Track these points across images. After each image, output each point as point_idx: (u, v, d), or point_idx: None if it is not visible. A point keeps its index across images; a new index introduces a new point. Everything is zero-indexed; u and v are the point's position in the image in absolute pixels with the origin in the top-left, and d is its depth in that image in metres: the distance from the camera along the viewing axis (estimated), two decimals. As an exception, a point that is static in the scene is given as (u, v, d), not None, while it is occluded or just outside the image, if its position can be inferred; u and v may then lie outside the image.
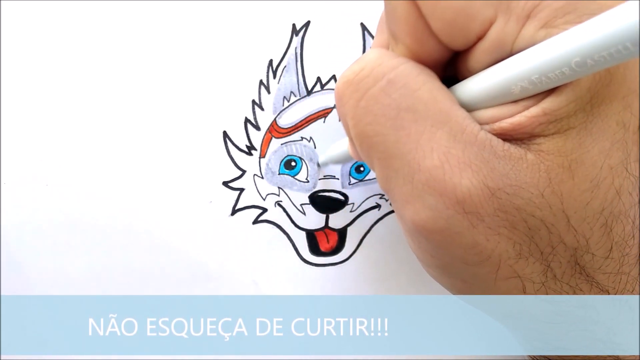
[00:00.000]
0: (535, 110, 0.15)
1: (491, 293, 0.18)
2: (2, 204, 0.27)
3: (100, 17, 0.26)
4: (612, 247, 0.17)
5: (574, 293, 0.17)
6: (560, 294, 0.17)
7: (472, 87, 0.16)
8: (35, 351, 0.27)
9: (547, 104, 0.15)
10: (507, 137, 0.16)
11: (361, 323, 0.29)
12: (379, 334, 0.29)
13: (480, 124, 0.16)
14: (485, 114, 0.16)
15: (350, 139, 0.19)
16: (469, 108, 0.16)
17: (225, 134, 0.27)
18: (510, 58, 0.15)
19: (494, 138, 0.16)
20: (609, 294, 0.17)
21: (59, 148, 0.27)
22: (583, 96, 0.15)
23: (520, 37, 0.15)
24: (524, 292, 0.18)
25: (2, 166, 0.26)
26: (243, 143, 0.27)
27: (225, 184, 0.27)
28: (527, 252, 0.17)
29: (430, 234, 0.17)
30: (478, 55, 0.16)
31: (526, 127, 0.16)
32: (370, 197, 0.28)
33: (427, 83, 0.16)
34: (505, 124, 0.16)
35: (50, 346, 0.27)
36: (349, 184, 0.28)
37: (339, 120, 0.24)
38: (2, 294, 0.27)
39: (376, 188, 0.28)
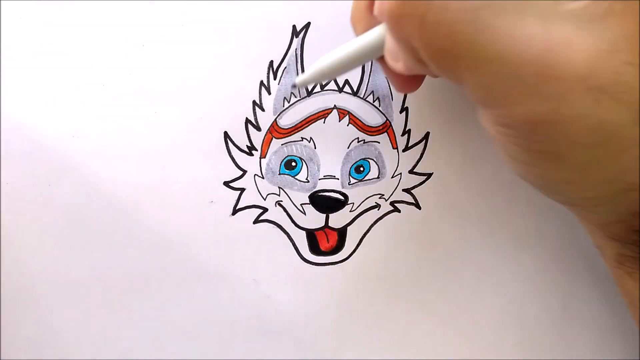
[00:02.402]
0: None
1: (610, 171, 0.17)
2: (2, 204, 0.27)
3: (100, 17, 0.26)
4: None
5: None
6: None
7: None
8: (35, 351, 0.27)
9: None
10: None
11: (361, 323, 0.29)
12: (379, 334, 0.29)
13: None
14: None
15: (415, 63, 0.18)
16: None
17: (226, 134, 0.27)
18: None
19: (575, 2, 0.15)
20: None
21: (60, 148, 0.27)
22: None
23: None
24: None
25: (3, 166, 0.26)
26: (244, 143, 0.27)
27: (226, 184, 0.27)
28: None
29: (551, 126, 0.16)
30: None
31: None
32: (370, 197, 0.28)
33: None
34: None
35: (50, 346, 0.27)
36: (349, 184, 0.28)
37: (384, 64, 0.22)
38: (2, 294, 0.27)
39: (376, 188, 0.28)
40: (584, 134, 0.16)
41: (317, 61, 0.22)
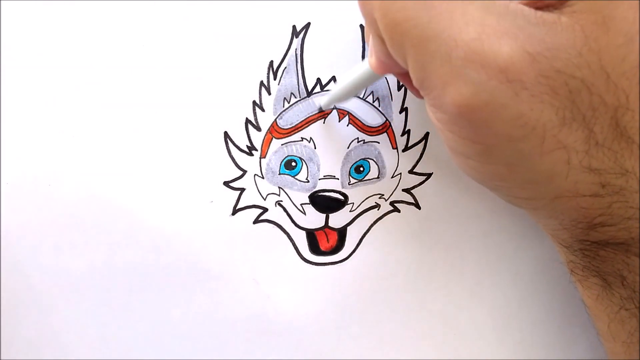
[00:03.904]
0: None
1: (536, 172, 0.18)
2: (2, 204, 0.27)
3: (100, 17, 0.26)
4: None
5: (616, 159, 0.17)
6: (603, 161, 0.17)
7: None
8: (35, 351, 0.27)
9: None
10: (539, 6, 0.16)
11: (361, 323, 0.29)
12: (379, 334, 0.29)
13: None
14: None
15: (377, 39, 0.19)
16: None
17: (226, 135, 0.27)
18: None
19: (525, 7, 0.16)
20: None
21: (60, 148, 0.27)
22: None
23: None
24: (569, 164, 0.18)
25: (3, 166, 0.26)
26: (244, 143, 0.27)
27: (226, 183, 0.27)
28: (570, 117, 0.17)
29: (473, 112, 0.17)
30: None
31: None
32: (369, 197, 0.28)
33: None
34: None
35: (50, 346, 0.27)
36: (349, 184, 0.28)
37: (363, 27, 0.25)
38: (2, 294, 0.27)
39: (375, 188, 0.28)
40: (505, 125, 0.17)
41: (335, 84, 0.26)
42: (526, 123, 0.17)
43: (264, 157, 0.28)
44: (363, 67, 0.24)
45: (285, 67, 0.27)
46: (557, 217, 0.20)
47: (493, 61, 0.16)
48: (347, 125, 0.28)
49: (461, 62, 0.16)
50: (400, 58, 0.19)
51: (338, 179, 0.28)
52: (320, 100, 0.27)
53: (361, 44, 0.28)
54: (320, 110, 0.28)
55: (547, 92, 0.16)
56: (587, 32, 0.16)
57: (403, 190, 0.29)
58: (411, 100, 0.28)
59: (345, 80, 0.25)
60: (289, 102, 0.27)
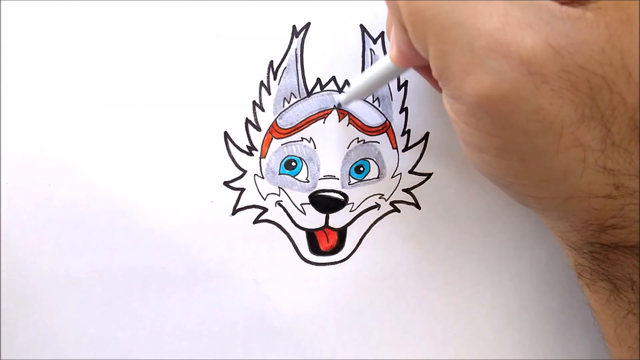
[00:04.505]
0: None
1: (551, 169, 0.18)
2: (2, 204, 0.27)
3: (100, 17, 0.26)
4: None
5: (631, 160, 0.17)
6: (618, 162, 0.17)
7: None
8: (35, 351, 0.27)
9: None
10: (564, 1, 0.16)
11: (361, 323, 0.29)
12: (379, 334, 0.29)
13: None
14: None
15: (400, 28, 0.19)
16: None
17: (226, 135, 0.27)
18: None
19: (550, 1, 0.16)
20: None
21: (60, 148, 0.27)
22: None
23: None
24: (584, 163, 0.17)
25: (3, 166, 0.26)
26: (244, 143, 0.27)
27: (226, 183, 0.27)
28: (589, 115, 0.17)
29: (492, 103, 0.17)
30: None
31: None
32: (369, 197, 0.28)
33: None
34: None
35: (50, 346, 0.27)
36: (349, 184, 0.28)
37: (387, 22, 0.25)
38: (2, 294, 0.27)
39: (376, 188, 0.28)
40: (523, 118, 0.17)
41: (354, 80, 0.26)
42: (544, 118, 0.17)
43: (264, 157, 0.28)
44: (383, 63, 0.24)
45: (285, 67, 0.27)
46: (568, 218, 0.20)
47: (515, 52, 0.16)
48: (347, 125, 0.28)
49: (483, 51, 0.16)
50: (422, 47, 0.18)
51: (338, 179, 0.28)
52: (339, 96, 0.27)
53: (361, 44, 0.28)
54: (339, 107, 0.27)
55: (567, 88, 0.16)
56: (612, 29, 0.16)
57: (403, 190, 0.29)
58: (411, 100, 0.28)
59: (365, 76, 0.25)
60: (289, 102, 0.27)
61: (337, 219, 0.28)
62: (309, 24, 0.27)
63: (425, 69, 0.23)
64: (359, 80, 0.26)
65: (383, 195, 0.28)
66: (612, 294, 0.21)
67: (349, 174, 0.28)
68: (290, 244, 0.28)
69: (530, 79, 0.16)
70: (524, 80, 0.16)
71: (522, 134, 0.17)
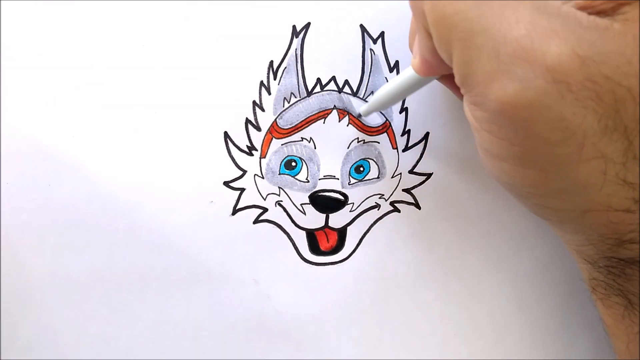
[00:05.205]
0: None
1: (571, 180, 0.18)
2: (2, 204, 0.27)
3: (100, 17, 0.26)
4: None
5: None
6: (639, 175, 0.17)
7: None
8: (35, 351, 0.27)
9: None
10: (591, 10, 0.16)
11: (361, 323, 0.29)
12: (379, 334, 0.29)
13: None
14: None
15: (424, 34, 0.19)
16: None
17: (226, 135, 0.27)
18: None
19: (578, 11, 0.16)
20: None
21: (60, 148, 0.27)
22: None
23: None
24: (605, 175, 0.17)
25: (3, 166, 0.26)
26: (244, 143, 0.27)
27: (226, 184, 0.27)
28: (611, 127, 0.16)
29: (516, 110, 0.17)
30: None
31: None
32: (369, 197, 0.28)
33: None
34: None
35: (50, 346, 0.27)
36: (349, 184, 0.28)
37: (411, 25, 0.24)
38: (2, 294, 0.27)
39: (376, 188, 0.28)
40: (546, 127, 0.17)
41: (377, 91, 0.26)
42: (567, 127, 0.17)
43: (264, 157, 0.28)
44: (406, 74, 0.24)
45: (285, 67, 0.27)
46: (584, 231, 0.20)
47: (541, 59, 0.16)
48: (347, 125, 0.28)
49: (509, 58, 0.16)
50: (446, 53, 0.18)
51: (338, 179, 0.28)
52: (360, 107, 0.27)
53: (361, 44, 0.28)
54: (358, 117, 0.28)
55: (592, 98, 0.16)
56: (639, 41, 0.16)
57: (403, 190, 0.29)
58: (411, 100, 0.28)
59: (388, 87, 0.25)
60: (289, 102, 0.27)
61: (337, 219, 0.28)
62: (309, 24, 0.27)
63: (447, 78, 0.23)
64: (381, 91, 0.26)
65: (383, 195, 0.28)
66: (626, 310, 0.21)
67: (349, 174, 0.28)
68: (290, 244, 0.28)
69: (555, 87, 0.16)
70: (549, 88, 0.16)
71: (543, 143, 0.17)
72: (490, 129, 0.18)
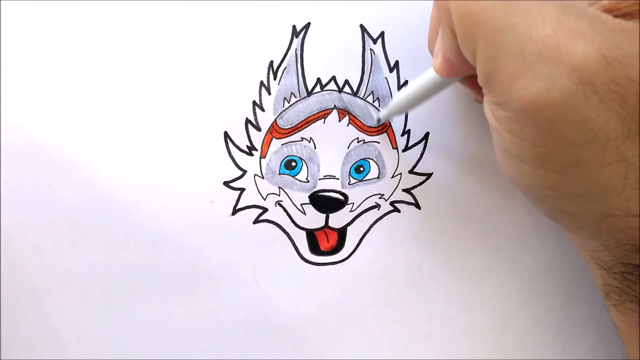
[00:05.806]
0: None
1: (591, 183, 0.17)
2: (2, 204, 0.27)
3: (100, 17, 0.26)
4: None
5: None
6: None
7: None
8: (35, 351, 0.27)
9: None
10: (616, 13, 0.16)
11: (361, 323, 0.29)
12: (379, 334, 0.29)
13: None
14: None
15: (448, 33, 0.19)
16: None
17: (226, 135, 0.27)
18: None
19: (604, 14, 0.16)
20: None
21: (60, 148, 0.27)
22: None
23: None
24: (625, 180, 0.17)
25: (3, 166, 0.26)
26: (244, 143, 0.27)
27: (226, 183, 0.27)
28: (635, 130, 0.16)
29: (540, 110, 0.17)
30: None
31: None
32: (369, 197, 0.28)
33: None
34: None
35: (50, 346, 0.27)
36: (349, 184, 0.28)
37: (436, 20, 0.24)
38: (2, 294, 0.27)
39: (376, 188, 0.28)
40: (569, 128, 0.17)
41: (396, 95, 0.26)
42: (591, 129, 0.16)
43: (264, 157, 0.28)
44: (426, 76, 0.23)
45: (285, 67, 0.27)
46: (600, 237, 0.20)
47: (567, 59, 0.16)
48: (347, 125, 0.28)
49: (534, 57, 0.16)
50: (470, 52, 0.18)
51: (338, 179, 0.28)
52: (380, 112, 0.28)
53: (361, 44, 0.28)
54: (378, 123, 0.28)
55: (616, 100, 0.16)
56: None
57: (403, 190, 0.29)
58: (411, 100, 0.28)
59: (408, 90, 0.25)
60: (289, 102, 0.27)
61: (337, 219, 0.28)
62: (309, 24, 0.27)
63: (468, 80, 0.22)
64: (400, 94, 0.25)
65: (383, 195, 0.28)
66: None
67: (349, 174, 0.28)
68: (290, 244, 0.28)
69: (580, 87, 0.16)
70: (573, 89, 0.16)
71: (566, 144, 0.17)
72: (512, 129, 0.18)
